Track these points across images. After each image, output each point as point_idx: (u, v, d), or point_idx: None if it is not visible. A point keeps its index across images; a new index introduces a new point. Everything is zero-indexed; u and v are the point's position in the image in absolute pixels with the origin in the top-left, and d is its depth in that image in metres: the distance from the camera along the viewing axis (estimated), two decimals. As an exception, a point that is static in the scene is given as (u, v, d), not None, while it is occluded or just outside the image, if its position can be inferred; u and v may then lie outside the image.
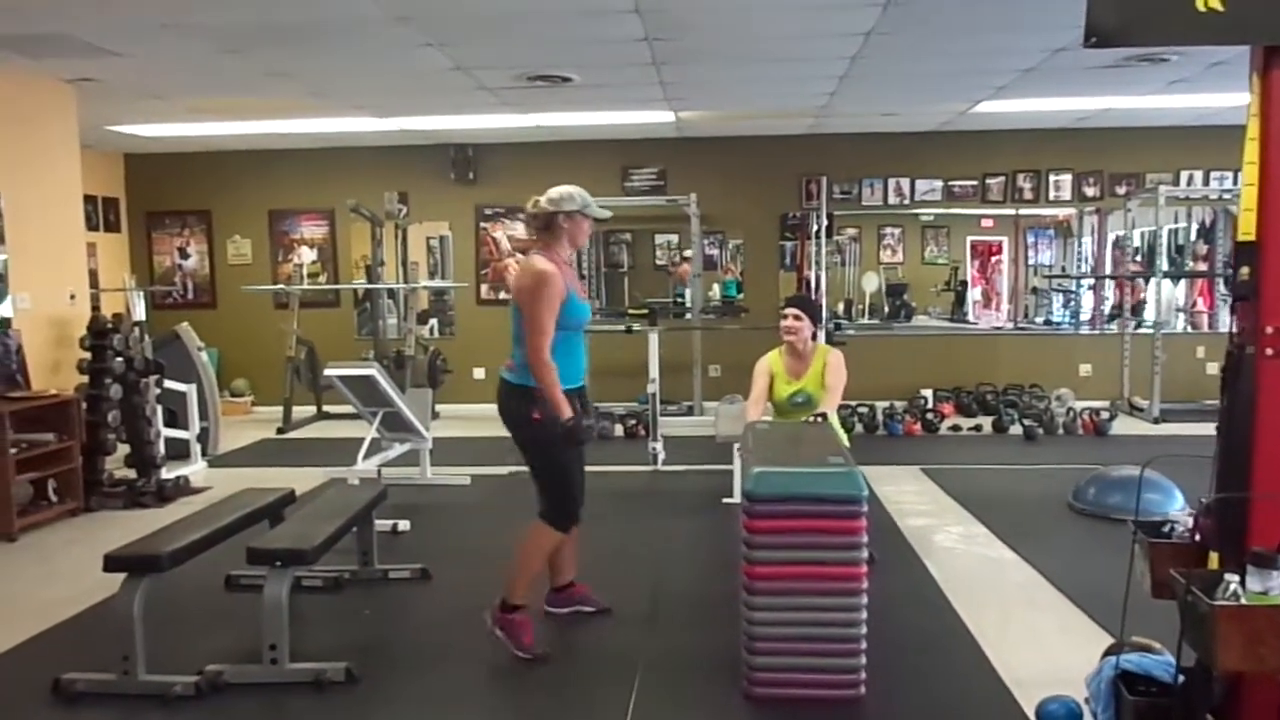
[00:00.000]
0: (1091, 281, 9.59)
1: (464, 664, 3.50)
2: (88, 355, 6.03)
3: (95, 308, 6.90)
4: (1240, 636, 2.03)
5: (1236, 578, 2.11)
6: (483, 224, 9.69)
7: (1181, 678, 2.43)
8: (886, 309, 9.71)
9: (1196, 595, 2.10)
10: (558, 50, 5.84)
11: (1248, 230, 2.26)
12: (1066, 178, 9.34)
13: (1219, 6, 2.18)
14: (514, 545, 3.57)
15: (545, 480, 3.53)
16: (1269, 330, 2.23)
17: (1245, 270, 2.26)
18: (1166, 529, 2.57)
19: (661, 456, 6.74)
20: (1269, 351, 2.23)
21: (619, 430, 8.06)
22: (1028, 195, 9.38)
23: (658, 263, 9.66)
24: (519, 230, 9.65)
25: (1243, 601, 2.08)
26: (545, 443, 3.44)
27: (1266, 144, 2.22)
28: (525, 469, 3.59)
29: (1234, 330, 2.34)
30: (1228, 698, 2.34)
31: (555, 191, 3.53)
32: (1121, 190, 9.20)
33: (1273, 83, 2.21)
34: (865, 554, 3.02)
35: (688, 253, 9.24)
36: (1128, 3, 2.24)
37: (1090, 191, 9.34)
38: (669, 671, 3.35)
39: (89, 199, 8.56)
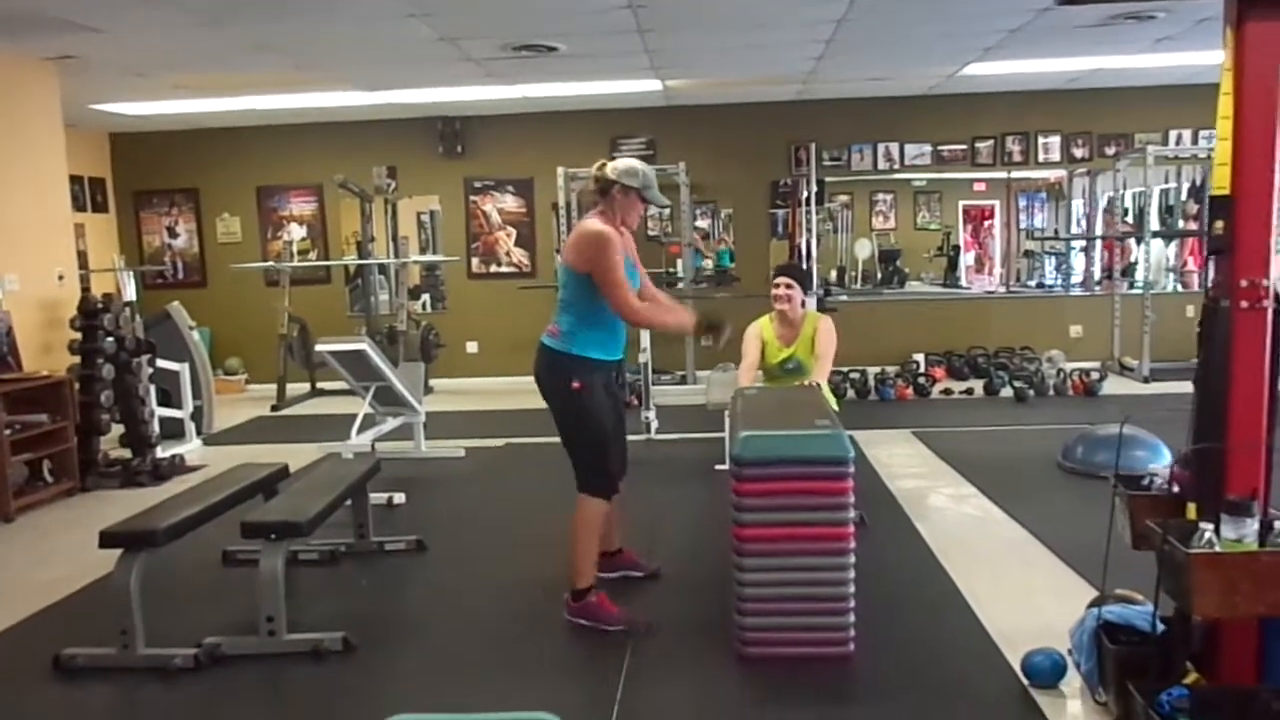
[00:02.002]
0: (1083, 243, 9.61)
1: (460, 632, 3.55)
2: (79, 336, 6.04)
3: (85, 289, 6.89)
4: (1215, 583, 2.07)
5: (1211, 526, 2.16)
6: (472, 197, 9.67)
7: (1162, 627, 2.48)
8: (880, 275, 9.71)
9: (1173, 544, 2.14)
10: (542, 19, 5.81)
11: (1222, 184, 2.28)
12: (1055, 140, 9.34)
13: (1192, -41, 2.18)
14: (566, 533, 3.50)
15: (580, 449, 3.48)
16: (1244, 283, 2.26)
17: (1220, 224, 2.29)
18: (1146, 482, 2.61)
19: (655, 425, 6.78)
20: (1244, 304, 2.26)
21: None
22: (1016, 158, 9.38)
23: (649, 234, 9.65)
24: (509, 202, 9.64)
25: (1217, 549, 2.12)
26: (580, 412, 3.41)
27: (1240, 98, 2.24)
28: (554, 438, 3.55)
29: (1209, 284, 2.37)
30: (1206, 644, 2.39)
31: (623, 163, 3.49)
32: (1110, 151, 9.19)
33: (1246, 36, 2.22)
34: (852, 514, 3.05)
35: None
36: (1102, -41, 2.25)
37: (1079, 153, 9.34)
38: (662, 634, 3.40)
39: (75, 180, 8.51)
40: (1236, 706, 2.17)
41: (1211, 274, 2.38)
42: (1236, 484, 2.23)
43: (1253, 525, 2.15)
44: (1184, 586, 2.12)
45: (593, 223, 3.41)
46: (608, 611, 3.46)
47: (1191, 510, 2.34)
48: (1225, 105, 2.28)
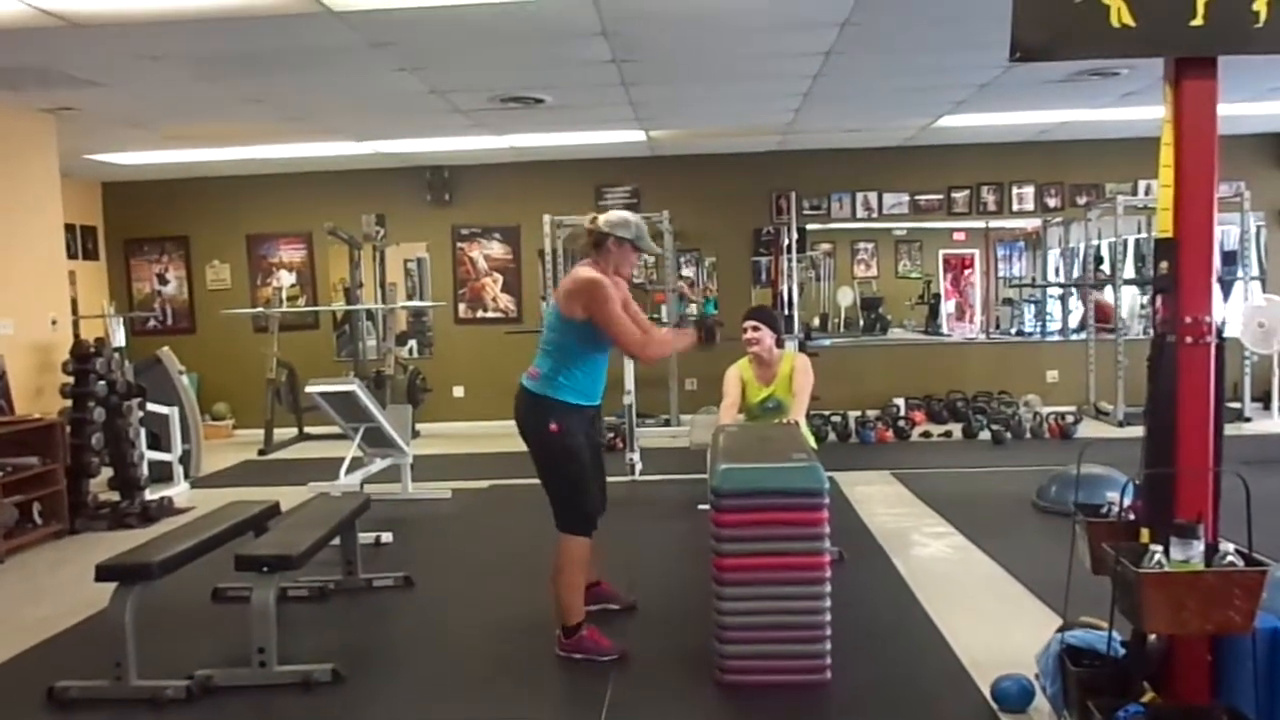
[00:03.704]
0: (1059, 291, 9.84)
1: (446, 664, 3.62)
2: (70, 380, 6.11)
3: (76, 335, 6.99)
4: (1164, 601, 2.19)
5: (1161, 548, 2.28)
6: (459, 244, 9.84)
7: (1121, 650, 2.59)
8: (862, 323, 9.90)
9: (1124, 565, 2.26)
10: (529, 72, 6.02)
11: (1165, 228, 2.44)
12: (1029, 189, 9.61)
13: (1131, 22, 2.37)
14: (548, 580, 3.58)
15: (559, 490, 3.56)
16: (1187, 320, 2.41)
17: (1164, 265, 2.45)
18: (1105, 510, 2.74)
19: (639, 467, 6.89)
20: (1188, 339, 2.41)
21: (597, 444, 8.18)
22: (991, 207, 9.64)
23: (634, 281, 9.80)
24: (495, 249, 9.81)
25: (1166, 569, 2.24)
26: (559, 453, 3.50)
27: (1179, 148, 2.41)
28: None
29: (1157, 321, 2.52)
30: (1162, 665, 2.50)
31: (615, 215, 3.61)
32: (1082, 201, 9.46)
33: (1183, 92, 2.40)
34: (828, 544, 3.17)
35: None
36: (1049, 20, 2.44)
37: (1052, 202, 9.61)
38: (644, 664, 3.48)
39: (67, 228, 8.57)
40: (1190, 722, 2.28)
41: (1159, 312, 2.53)
42: (1184, 509, 2.36)
43: (1199, 547, 2.28)
44: (1135, 605, 2.24)
45: (586, 271, 3.52)
46: (600, 644, 3.54)
47: (1145, 535, 2.47)
48: (1166, 155, 2.45)
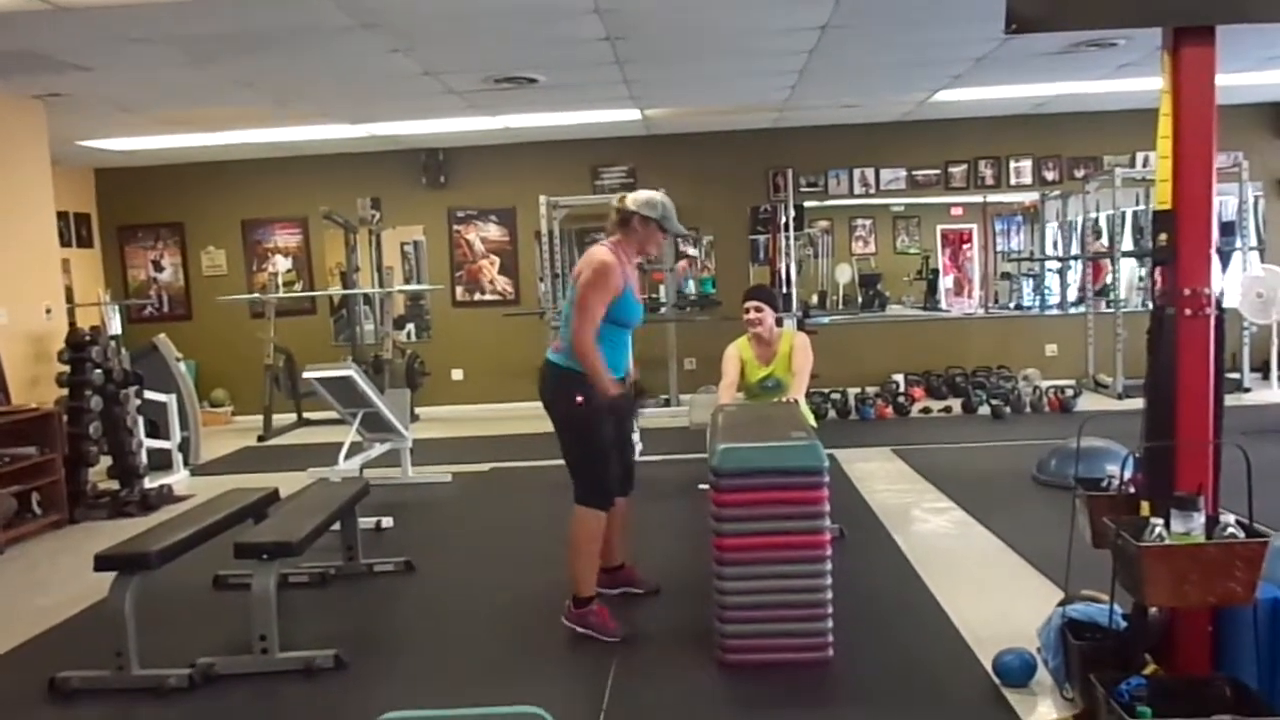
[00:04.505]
0: (1058, 264, 9.81)
1: (449, 648, 3.62)
2: (66, 369, 6.09)
3: (71, 323, 6.96)
4: (1165, 574, 2.19)
5: (1162, 521, 2.27)
6: (456, 226, 9.79)
7: (1122, 622, 2.59)
8: (860, 299, 9.87)
9: (1125, 538, 2.26)
10: (522, 52, 5.97)
11: (1164, 199, 2.42)
12: (1027, 163, 9.57)
13: (1128, -10, 2.34)
14: (564, 546, 3.60)
15: (579, 462, 3.58)
16: (1186, 292, 2.39)
17: (1163, 237, 2.43)
18: (1105, 484, 2.73)
19: (639, 447, 6.87)
20: (1187, 312, 2.40)
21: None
22: (989, 181, 9.60)
23: (634, 261, 9.78)
24: (492, 231, 9.77)
25: (1167, 542, 2.23)
26: (581, 425, 3.52)
27: (1177, 118, 2.38)
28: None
29: (1155, 293, 2.50)
30: (1163, 637, 2.50)
31: (643, 194, 3.65)
32: (1080, 173, 9.41)
33: (1181, 60, 2.37)
34: (828, 522, 3.16)
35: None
36: (1044, -10, 2.40)
37: (1050, 175, 9.57)
38: (646, 645, 3.48)
39: (60, 215, 8.56)
40: (1191, 693, 2.27)
41: (1158, 284, 2.52)
42: (1184, 481, 2.36)
43: (1200, 519, 2.27)
44: (1137, 578, 2.23)
45: (602, 251, 3.55)
46: (606, 624, 3.54)
47: (1145, 508, 2.46)
48: (1165, 125, 2.43)
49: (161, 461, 6.88)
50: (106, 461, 6.36)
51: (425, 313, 9.92)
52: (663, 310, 9.16)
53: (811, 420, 4.37)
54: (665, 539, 4.92)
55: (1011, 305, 9.86)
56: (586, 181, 9.43)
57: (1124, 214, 9.03)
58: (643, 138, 9.40)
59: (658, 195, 3.64)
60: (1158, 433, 2.43)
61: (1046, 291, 9.95)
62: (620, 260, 3.55)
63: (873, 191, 9.65)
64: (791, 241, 8.87)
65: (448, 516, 5.72)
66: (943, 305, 9.83)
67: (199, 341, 9.48)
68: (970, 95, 8.04)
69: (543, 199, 8.81)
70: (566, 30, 5.44)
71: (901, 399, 8.52)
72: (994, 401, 8.18)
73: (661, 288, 9.25)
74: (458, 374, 9.79)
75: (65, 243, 8.99)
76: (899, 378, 9.26)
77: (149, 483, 6.38)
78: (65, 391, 6.10)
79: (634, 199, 3.62)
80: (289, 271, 9.87)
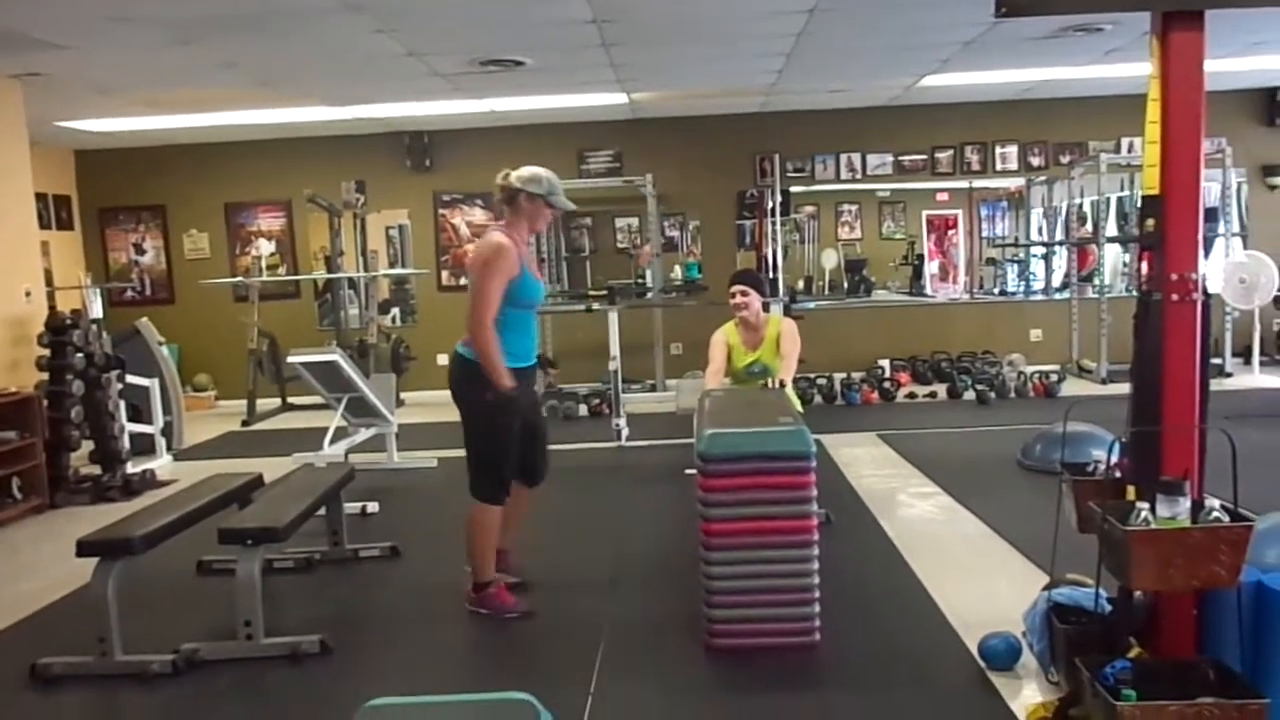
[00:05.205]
0: (1043, 250, 9.84)
1: (436, 633, 3.61)
2: (46, 352, 6.03)
3: (51, 306, 6.88)
4: (1151, 558, 2.19)
5: (1147, 506, 2.28)
6: (441, 210, 9.73)
7: (1107, 606, 2.61)
8: (846, 285, 9.87)
9: (1111, 523, 2.26)
10: (508, 34, 5.91)
11: (1152, 185, 2.42)
12: (1012, 149, 9.58)
13: (1119, -26, 2.33)
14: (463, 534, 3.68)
15: (478, 457, 3.63)
16: (1173, 277, 2.39)
17: (1151, 222, 2.43)
18: (1091, 469, 2.74)
19: (625, 433, 6.87)
20: (1174, 297, 2.40)
21: (583, 409, 8.18)
22: (975, 167, 9.61)
23: (619, 246, 9.76)
24: (477, 216, 9.72)
25: (1153, 526, 2.24)
26: (487, 421, 3.55)
27: (1165, 103, 2.38)
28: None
29: (1142, 278, 2.51)
30: (1148, 620, 2.51)
31: (526, 171, 3.61)
32: (1065, 159, 9.43)
33: (1170, 45, 2.36)
34: (815, 507, 3.16)
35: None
36: (1035, -27, 2.39)
37: (1036, 161, 9.59)
38: (633, 630, 3.48)
39: (39, 197, 8.46)
40: (1176, 676, 2.28)
41: (1145, 269, 2.52)
42: (1170, 466, 2.36)
43: (1185, 504, 2.28)
44: (1122, 562, 2.24)
45: (496, 236, 3.54)
46: (504, 602, 3.62)
47: (1131, 493, 2.47)
48: (1153, 110, 2.42)
49: (144, 446, 6.83)
50: (88, 446, 6.31)
51: (410, 297, 9.86)
52: (649, 296, 9.14)
53: (798, 405, 4.37)
54: (652, 524, 4.93)
55: (996, 291, 9.89)
56: (573, 165, 9.37)
57: (1109, 200, 9.05)
58: (629, 121, 9.35)
59: (542, 171, 3.61)
60: (1144, 418, 2.44)
61: (1031, 277, 10.00)
62: (514, 241, 3.53)
63: (859, 177, 9.65)
64: (778, 226, 8.86)
65: (433, 501, 5.69)
66: (928, 291, 9.85)
67: (182, 325, 9.40)
68: (957, 80, 8.03)
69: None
70: (553, 12, 5.39)
71: (887, 384, 8.55)
72: (979, 387, 8.21)
73: (648, 272, 9.23)
74: (443, 359, 9.70)
75: (45, 225, 8.89)
76: (885, 363, 9.28)
77: (131, 468, 6.33)
78: (45, 375, 6.04)
79: (518, 175, 3.59)
80: (273, 255, 9.79)
